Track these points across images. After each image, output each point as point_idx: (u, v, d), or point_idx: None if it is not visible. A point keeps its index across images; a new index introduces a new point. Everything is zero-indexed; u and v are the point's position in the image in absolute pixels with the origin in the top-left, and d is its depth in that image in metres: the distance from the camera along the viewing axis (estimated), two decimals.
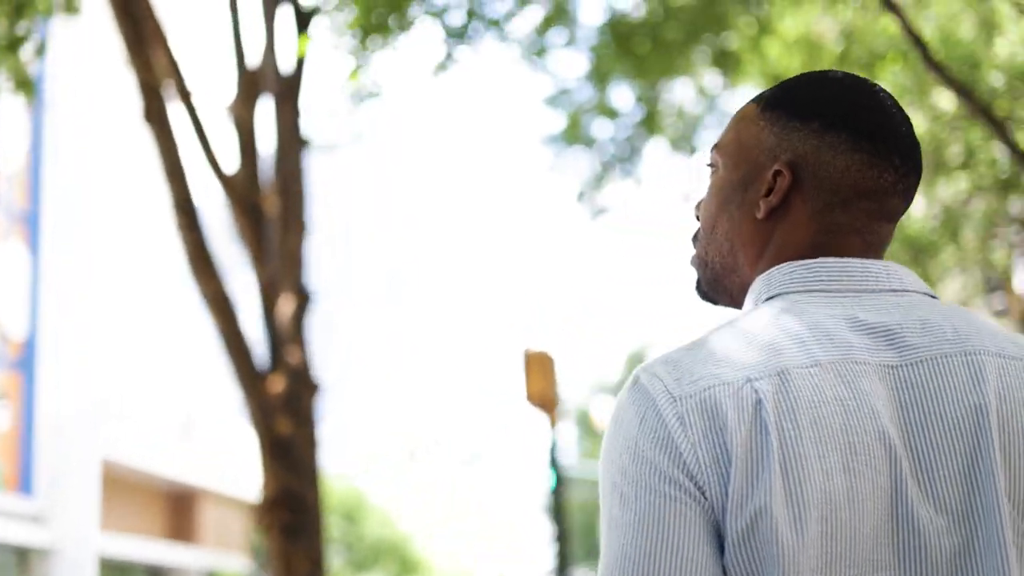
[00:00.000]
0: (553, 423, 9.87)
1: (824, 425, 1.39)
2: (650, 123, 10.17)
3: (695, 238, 1.68)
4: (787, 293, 1.53)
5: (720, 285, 1.64)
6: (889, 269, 1.54)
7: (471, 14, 7.09)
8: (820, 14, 10.70)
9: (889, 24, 10.43)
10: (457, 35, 6.49)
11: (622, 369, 45.33)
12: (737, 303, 1.64)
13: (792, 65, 10.71)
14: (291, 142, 8.06)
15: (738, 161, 1.61)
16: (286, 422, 7.85)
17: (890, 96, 1.62)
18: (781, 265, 1.54)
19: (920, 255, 11.67)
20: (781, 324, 1.47)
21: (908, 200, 1.60)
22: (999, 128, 7.86)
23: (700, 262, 1.66)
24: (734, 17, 9.50)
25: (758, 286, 1.56)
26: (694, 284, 1.69)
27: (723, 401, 1.40)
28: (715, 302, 1.69)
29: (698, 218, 1.68)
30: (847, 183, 1.55)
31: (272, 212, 7.94)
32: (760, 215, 1.57)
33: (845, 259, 1.54)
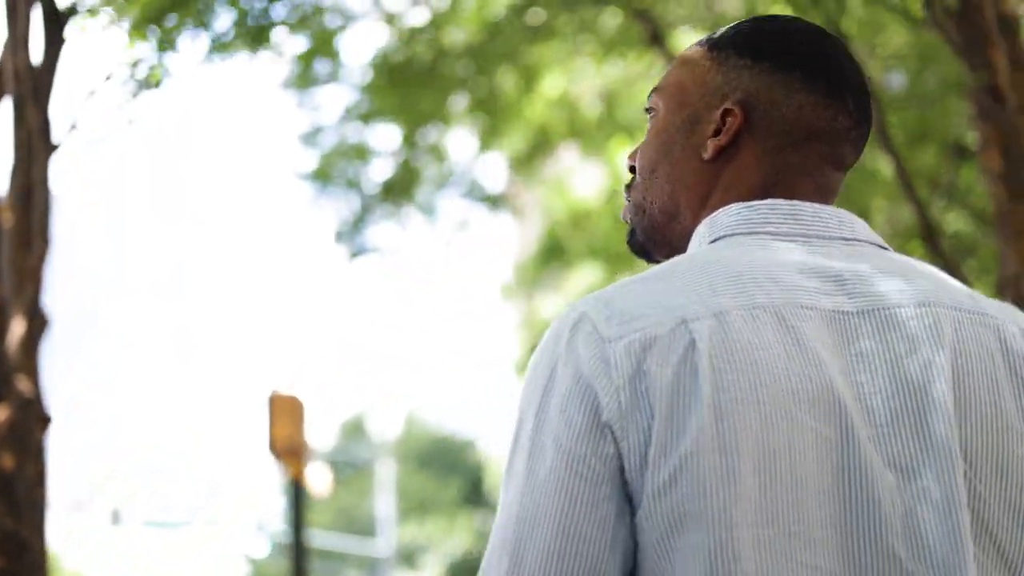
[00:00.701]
0: (298, 476, 9.32)
1: (763, 370, 1.31)
2: (407, 170, 9.93)
3: (629, 187, 1.61)
4: (733, 235, 1.46)
5: (658, 234, 1.57)
6: (840, 216, 1.49)
7: (238, 25, 6.58)
8: (584, 73, 10.71)
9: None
10: (221, 48, 6.04)
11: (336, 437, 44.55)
12: (675, 252, 1.54)
13: (550, 123, 10.67)
14: (35, 149, 7.35)
15: (681, 102, 1.55)
16: (10, 457, 7.06)
17: (842, 44, 1.58)
18: (728, 207, 1.49)
19: None
20: (724, 265, 1.39)
21: (858, 151, 1.55)
22: None
23: (636, 209, 1.58)
24: (503, 66, 9.39)
25: (703, 229, 1.49)
26: (627, 236, 1.62)
27: (653, 343, 1.31)
28: (650, 255, 1.61)
29: (632, 168, 1.61)
30: (800, 124, 1.51)
31: (7, 225, 7.19)
32: (707, 156, 1.52)
33: (795, 202, 1.48)
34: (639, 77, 10.27)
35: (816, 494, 1.30)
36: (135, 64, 4.56)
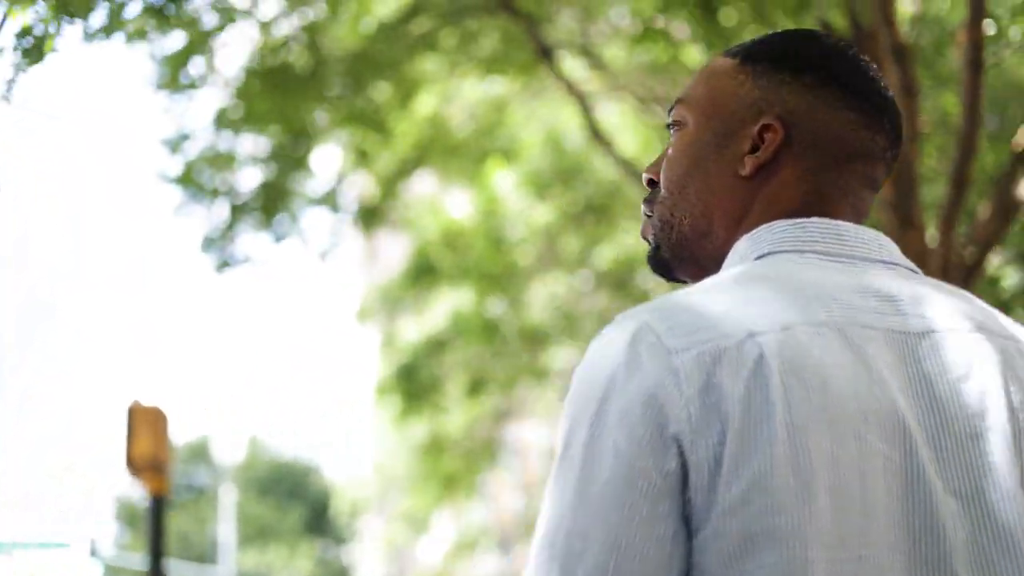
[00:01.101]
0: (160, 493, 8.87)
1: (832, 388, 1.28)
2: (276, 182, 9.59)
3: (650, 202, 1.56)
4: (780, 252, 1.43)
5: (685, 251, 1.53)
6: (880, 239, 1.48)
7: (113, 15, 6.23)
8: (460, 91, 10.52)
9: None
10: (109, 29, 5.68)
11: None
12: (703, 271, 1.51)
13: (422, 141, 10.46)
14: None
15: (712, 116, 1.51)
16: None
17: (871, 62, 1.57)
18: (771, 223, 1.46)
19: (536, 346, 11.67)
20: (781, 281, 1.37)
21: (889, 172, 1.54)
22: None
23: (663, 225, 1.53)
24: (379, 79, 9.15)
25: (744, 244, 1.46)
26: (650, 253, 1.56)
27: (722, 356, 1.27)
28: (672, 273, 1.56)
29: (652, 182, 1.56)
30: (842, 143, 1.48)
31: None
32: (746, 172, 1.48)
33: (839, 222, 1.46)
34: (517, 97, 10.12)
35: (884, 517, 1.28)
36: (23, 34, 4.20)
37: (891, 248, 1.49)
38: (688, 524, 1.25)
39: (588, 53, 9.47)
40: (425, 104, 10.27)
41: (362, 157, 10.08)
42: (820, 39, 1.54)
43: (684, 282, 1.56)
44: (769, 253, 1.44)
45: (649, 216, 1.56)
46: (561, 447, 1.30)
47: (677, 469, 1.25)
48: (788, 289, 1.36)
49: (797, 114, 1.48)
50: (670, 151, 1.55)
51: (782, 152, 1.48)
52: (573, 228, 11.37)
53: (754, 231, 1.46)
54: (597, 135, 8.38)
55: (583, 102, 8.54)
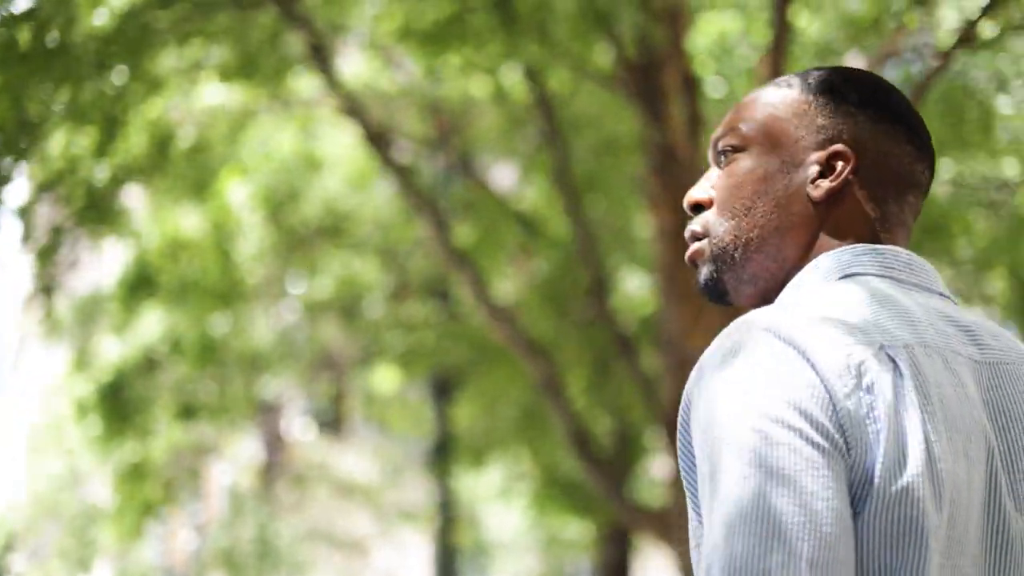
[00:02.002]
0: None
1: (947, 406, 1.38)
2: None
3: (699, 226, 1.60)
4: (864, 275, 1.50)
5: (747, 272, 1.57)
6: (934, 271, 1.57)
7: None
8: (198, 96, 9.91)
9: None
10: None
11: None
12: (760, 294, 1.57)
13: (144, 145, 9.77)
14: None
15: (776, 143, 1.57)
16: None
17: None
18: (853, 246, 1.52)
19: (253, 372, 11.08)
20: (882, 302, 1.44)
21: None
22: None
23: (725, 249, 1.57)
24: (113, 74, 8.46)
25: (827, 264, 1.51)
26: (705, 278, 1.60)
27: (867, 362, 1.35)
28: (727, 297, 1.60)
29: (699, 207, 1.61)
30: (902, 174, 1.57)
31: None
32: (818, 197, 1.54)
33: (908, 252, 1.55)
34: (271, 106, 9.61)
35: (975, 531, 1.37)
36: None
37: (940, 279, 1.56)
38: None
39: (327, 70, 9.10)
40: (157, 106, 9.59)
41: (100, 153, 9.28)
42: (874, 76, 1.62)
43: (731, 304, 1.62)
44: (855, 275, 1.49)
45: (699, 239, 1.60)
46: (732, 456, 1.31)
47: (845, 457, 1.32)
48: (892, 310, 1.43)
49: (863, 144, 1.55)
50: (728, 176, 1.58)
51: (850, 180, 1.55)
52: (301, 250, 10.91)
53: (834, 251, 1.52)
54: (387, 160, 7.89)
55: (362, 118, 8.08)
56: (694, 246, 1.61)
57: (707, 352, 1.41)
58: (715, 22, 6.87)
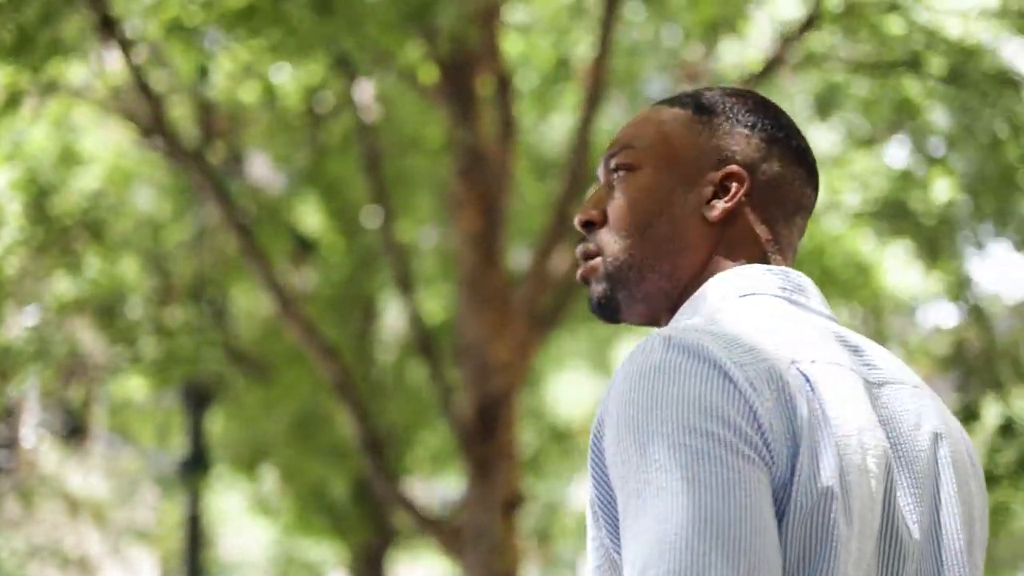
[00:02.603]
0: None
1: (852, 421, 1.39)
2: None
3: (590, 243, 1.60)
4: (763, 294, 1.51)
5: (641, 290, 1.58)
6: (821, 294, 1.59)
7: None
8: None
9: None
10: None
11: None
12: (652, 312, 1.59)
13: None
14: None
15: (671, 161, 1.58)
16: None
17: None
18: (750, 267, 1.54)
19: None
20: (784, 319, 1.47)
21: None
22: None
23: (620, 266, 1.57)
24: None
25: (727, 282, 1.53)
26: (598, 295, 1.60)
27: (782, 377, 1.36)
28: (619, 314, 1.61)
29: (590, 224, 1.61)
30: (792, 197, 1.59)
31: None
32: (714, 216, 1.56)
33: (799, 274, 1.57)
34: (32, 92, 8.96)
35: (872, 544, 1.39)
36: None
37: (825, 301, 1.58)
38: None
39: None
40: None
41: None
42: (763, 98, 1.64)
43: (621, 322, 1.63)
44: (753, 294, 1.50)
45: (591, 257, 1.59)
46: (654, 470, 1.29)
47: (768, 473, 1.32)
48: (795, 329, 1.45)
49: (755, 166, 1.56)
50: (622, 194, 1.58)
51: (743, 201, 1.56)
52: (59, 246, 10.24)
53: (732, 271, 1.53)
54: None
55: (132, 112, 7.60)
56: (587, 264, 1.60)
57: (623, 370, 1.38)
58: (531, 29, 6.79)
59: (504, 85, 6.30)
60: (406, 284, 6.00)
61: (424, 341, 5.81)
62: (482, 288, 6.26)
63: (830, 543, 1.33)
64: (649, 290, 1.57)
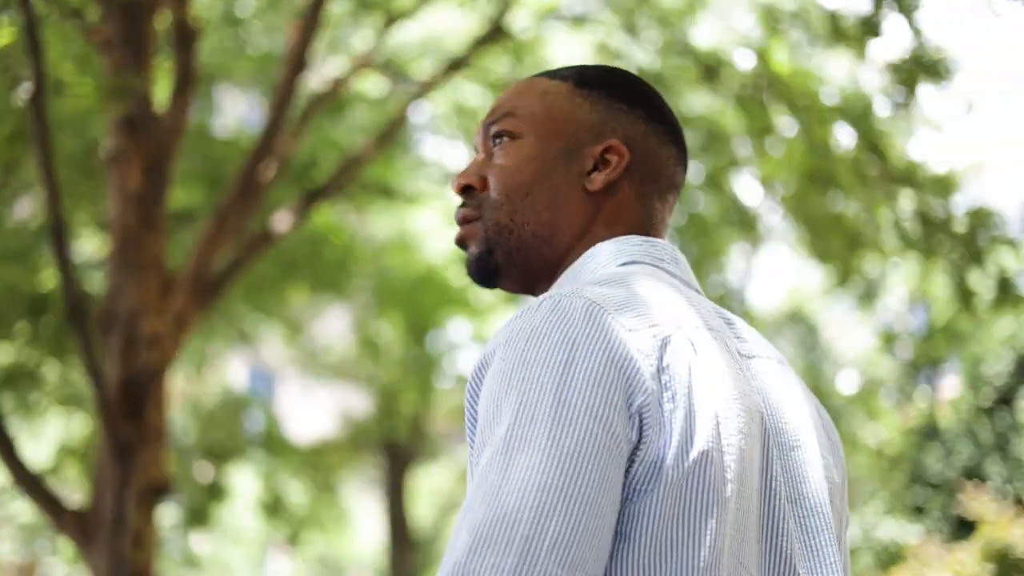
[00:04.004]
0: None
1: (732, 386, 1.43)
2: None
3: (471, 207, 1.63)
4: (641, 263, 1.55)
5: (522, 256, 1.61)
6: (691, 269, 1.64)
7: None
8: None
9: None
10: None
11: None
12: (530, 278, 1.62)
13: None
14: None
15: (553, 132, 1.61)
16: None
17: None
18: (629, 237, 1.58)
19: None
20: (665, 287, 1.50)
21: None
22: None
23: (500, 231, 1.60)
24: None
25: (608, 250, 1.57)
26: (476, 258, 1.63)
27: (667, 340, 1.40)
28: (496, 278, 1.63)
29: (468, 188, 1.63)
30: (666, 174, 1.64)
31: None
32: (594, 188, 1.59)
33: (671, 246, 1.61)
34: None
35: (755, 510, 1.43)
36: None
37: (694, 277, 1.64)
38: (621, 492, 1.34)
39: None
40: None
41: None
42: (637, 77, 1.69)
43: (495, 288, 1.65)
44: (633, 262, 1.55)
45: (470, 221, 1.62)
46: (516, 411, 1.31)
47: (635, 440, 1.34)
48: (675, 295, 1.49)
49: (634, 142, 1.62)
50: (504, 160, 1.61)
51: (622, 174, 1.60)
52: None
53: (613, 240, 1.57)
54: None
55: None
56: (466, 227, 1.62)
57: (513, 326, 1.39)
58: None
59: (186, 34, 5.73)
60: (61, 242, 5.25)
61: (75, 307, 5.13)
62: (141, 251, 5.65)
63: (708, 504, 1.35)
64: (528, 255, 1.60)
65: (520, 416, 1.30)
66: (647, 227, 1.61)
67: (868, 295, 13.46)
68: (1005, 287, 7.14)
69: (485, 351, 1.41)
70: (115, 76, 5.62)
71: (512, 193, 1.59)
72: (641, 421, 1.33)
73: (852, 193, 7.76)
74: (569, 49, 8.88)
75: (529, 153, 1.60)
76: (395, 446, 17.84)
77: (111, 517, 5.35)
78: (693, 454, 1.34)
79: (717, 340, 1.46)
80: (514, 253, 1.59)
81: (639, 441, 1.33)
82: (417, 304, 12.94)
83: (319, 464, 16.03)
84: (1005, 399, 16.07)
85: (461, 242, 1.63)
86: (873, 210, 7.55)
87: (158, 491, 5.42)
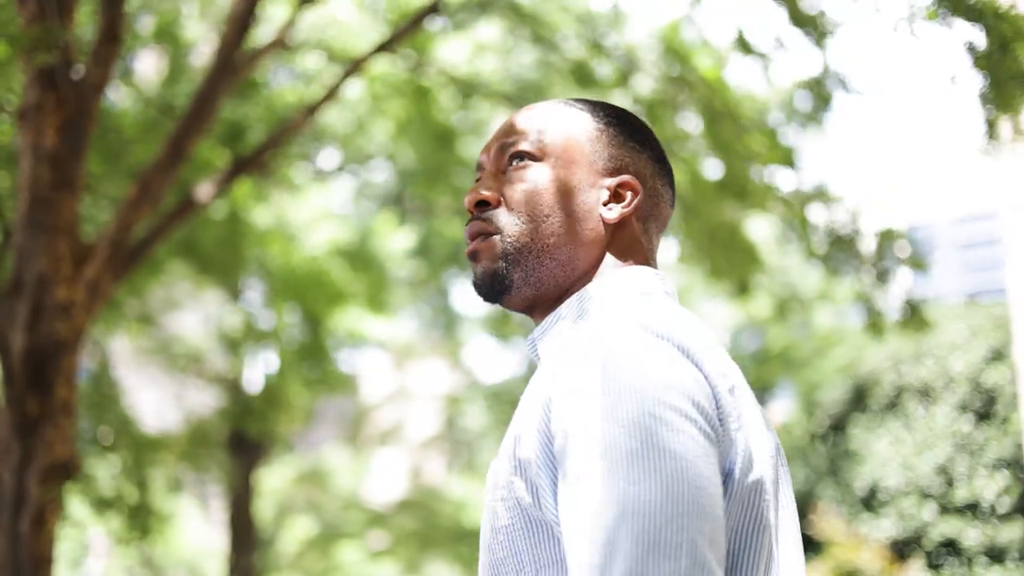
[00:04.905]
0: None
1: (758, 418, 1.54)
2: None
3: (487, 222, 1.65)
4: (656, 294, 1.61)
5: (535, 275, 1.63)
6: None
7: None
8: None
9: None
10: None
11: None
12: (538, 297, 1.65)
13: None
14: None
15: (575, 160, 1.66)
16: None
17: None
18: (643, 267, 1.66)
19: None
20: (691, 317, 1.55)
21: None
22: None
23: (521, 248, 1.63)
24: None
25: (624, 279, 1.62)
26: (490, 272, 1.65)
27: (726, 369, 1.48)
28: (506, 294, 1.66)
29: (485, 203, 1.66)
30: (664, 215, 1.73)
31: None
32: (612, 219, 1.65)
33: (671, 279, 1.69)
34: None
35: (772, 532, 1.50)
36: None
37: None
38: None
39: None
40: None
41: None
42: (644, 121, 1.78)
43: (499, 304, 1.68)
44: (651, 293, 1.61)
45: (484, 236, 1.65)
46: (636, 429, 1.34)
47: (718, 453, 1.41)
48: (697, 325, 1.53)
49: (644, 179, 1.70)
50: (524, 181, 1.65)
51: (632, 209, 1.68)
52: None
53: (629, 270, 1.64)
54: None
55: None
56: (483, 240, 1.65)
57: (585, 345, 1.43)
58: None
59: None
60: None
61: None
62: (50, 216, 5.29)
63: (764, 524, 1.44)
64: (543, 276, 1.64)
65: (644, 428, 1.34)
66: (650, 260, 1.69)
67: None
68: (910, 309, 7.24)
69: (559, 369, 1.44)
70: (34, 25, 5.26)
71: (534, 214, 1.63)
72: (724, 434, 1.42)
73: (760, 206, 7.79)
74: (460, 46, 8.76)
75: (551, 176, 1.65)
76: (243, 443, 17.37)
77: (11, 495, 4.97)
78: (752, 475, 1.44)
79: (739, 373, 1.55)
80: (531, 273, 1.64)
81: (721, 451, 1.42)
82: (308, 296, 12.60)
83: (156, 460, 15.52)
84: (838, 425, 16.53)
85: (473, 255, 1.66)
86: (784, 222, 7.59)
87: (64, 469, 5.06)
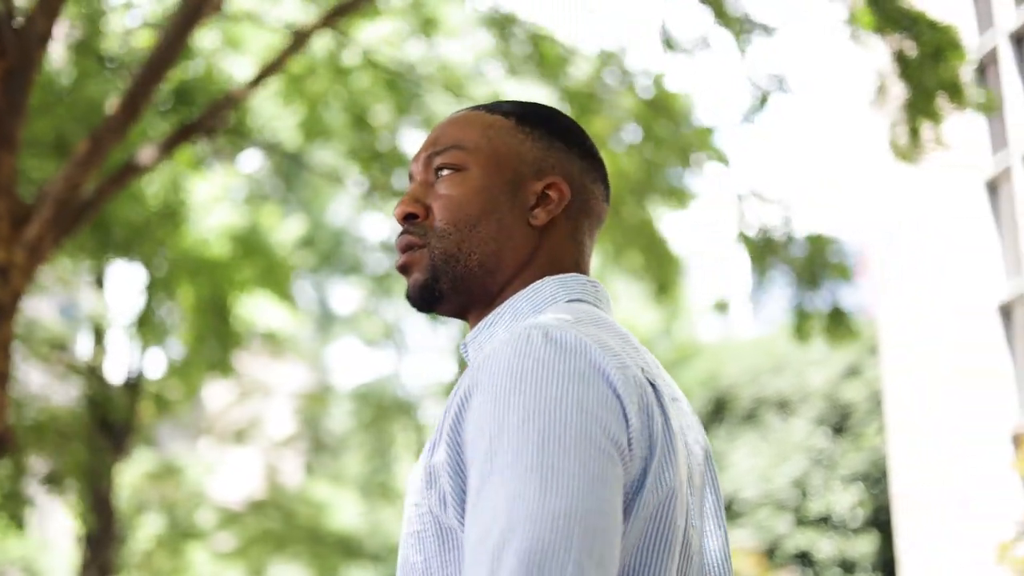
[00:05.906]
0: None
1: (686, 427, 1.59)
2: None
3: (415, 235, 1.67)
4: (584, 301, 1.63)
5: (465, 285, 1.66)
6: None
7: None
8: None
9: None
10: None
11: None
12: (467, 305, 1.68)
13: None
14: None
15: (498, 166, 1.67)
16: None
17: None
18: (574, 275, 1.67)
19: None
20: (614, 326, 1.58)
21: None
22: None
23: (448, 259, 1.65)
24: None
25: (553, 287, 1.64)
26: (419, 284, 1.67)
27: (640, 380, 1.48)
28: (437, 305, 1.68)
29: (413, 216, 1.68)
30: (595, 212, 1.72)
31: None
32: (538, 223, 1.66)
33: (600, 284, 1.69)
34: None
35: (696, 535, 1.57)
36: None
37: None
38: None
39: None
40: None
41: None
42: (571, 119, 1.76)
43: (432, 314, 1.71)
44: (578, 300, 1.63)
45: (413, 248, 1.67)
46: (540, 439, 1.36)
47: (624, 475, 1.42)
48: (624, 335, 1.57)
49: (573, 180, 1.69)
50: (450, 191, 1.66)
51: (563, 211, 1.68)
52: None
53: (558, 277, 1.65)
54: None
55: None
56: (411, 254, 1.67)
57: (503, 356, 1.44)
58: None
59: None
60: None
61: None
62: None
63: (668, 541, 1.46)
64: (472, 285, 1.65)
65: (545, 444, 1.36)
66: (581, 262, 1.70)
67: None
68: (838, 318, 7.28)
69: (472, 377, 1.45)
70: None
71: (460, 224, 1.65)
72: (630, 455, 1.42)
73: (681, 205, 7.76)
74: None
75: (475, 185, 1.66)
76: (106, 434, 16.73)
77: None
78: (662, 491, 1.45)
79: (665, 382, 1.57)
80: (459, 282, 1.65)
81: (629, 471, 1.42)
82: (208, 279, 12.15)
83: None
84: None
85: (404, 268, 1.68)
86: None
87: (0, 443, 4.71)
